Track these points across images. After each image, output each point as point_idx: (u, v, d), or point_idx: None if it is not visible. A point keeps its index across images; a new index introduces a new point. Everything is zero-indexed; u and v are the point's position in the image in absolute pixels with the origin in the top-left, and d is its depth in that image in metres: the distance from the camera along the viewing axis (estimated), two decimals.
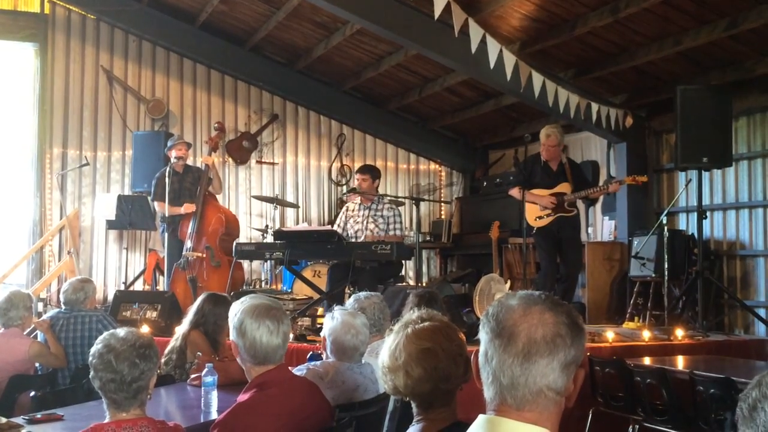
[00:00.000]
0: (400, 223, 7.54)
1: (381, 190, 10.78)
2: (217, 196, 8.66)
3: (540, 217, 7.32)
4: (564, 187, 7.32)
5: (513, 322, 1.51)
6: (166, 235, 8.27)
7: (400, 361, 2.29)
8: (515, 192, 7.44)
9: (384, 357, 2.36)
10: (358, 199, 7.68)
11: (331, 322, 3.67)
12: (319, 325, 6.30)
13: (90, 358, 2.71)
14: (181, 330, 4.77)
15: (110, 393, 2.63)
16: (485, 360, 1.54)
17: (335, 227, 7.57)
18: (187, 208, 8.08)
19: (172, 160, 8.25)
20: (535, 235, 7.46)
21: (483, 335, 1.56)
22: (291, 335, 5.86)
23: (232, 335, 2.98)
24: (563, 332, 1.51)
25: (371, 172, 7.72)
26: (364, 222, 7.46)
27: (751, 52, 7.21)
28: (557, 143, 7.32)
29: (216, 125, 8.96)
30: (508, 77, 6.91)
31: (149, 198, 8.82)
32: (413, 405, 2.30)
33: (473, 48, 6.52)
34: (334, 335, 3.62)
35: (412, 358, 2.27)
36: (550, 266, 7.40)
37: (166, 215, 8.13)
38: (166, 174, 8.11)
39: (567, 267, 7.40)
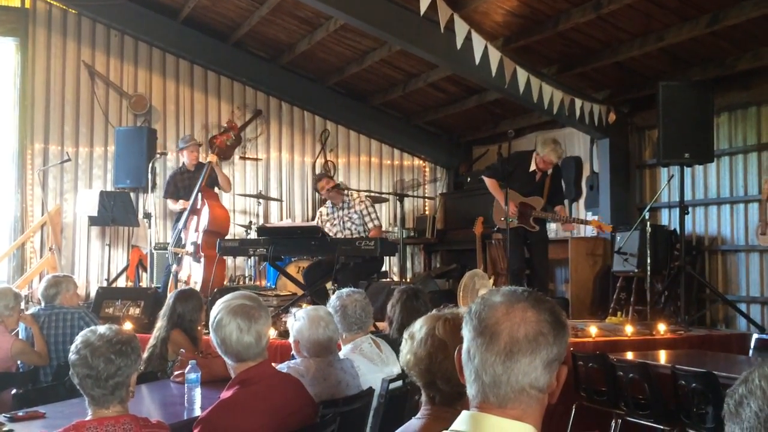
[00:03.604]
0: (375, 212, 7.62)
1: (365, 186, 10.86)
2: (225, 193, 8.77)
3: (504, 219, 7.35)
4: (535, 201, 7.37)
5: (495, 321, 1.51)
6: (174, 230, 8.43)
7: (416, 339, 2.26)
8: (489, 182, 7.52)
9: (413, 327, 2.32)
10: (329, 203, 7.73)
11: (296, 323, 3.64)
12: None
13: (69, 354, 2.69)
14: (156, 333, 4.76)
15: (87, 389, 2.62)
16: (468, 358, 1.53)
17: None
18: (183, 204, 8.19)
19: (185, 160, 8.53)
20: (502, 232, 7.54)
21: (466, 333, 1.56)
22: (274, 332, 5.89)
23: (210, 331, 2.99)
24: (545, 330, 1.50)
25: (329, 176, 8.02)
26: (341, 223, 7.52)
27: (733, 48, 7.26)
28: (555, 162, 7.39)
29: (227, 124, 9.06)
30: (493, 73, 6.93)
31: (163, 195, 8.95)
32: (422, 393, 2.26)
33: (458, 44, 6.53)
34: (306, 334, 3.59)
35: (426, 342, 2.24)
36: (519, 263, 7.42)
37: (176, 210, 8.36)
38: (178, 172, 8.36)
39: (536, 269, 7.50)
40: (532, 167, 7.42)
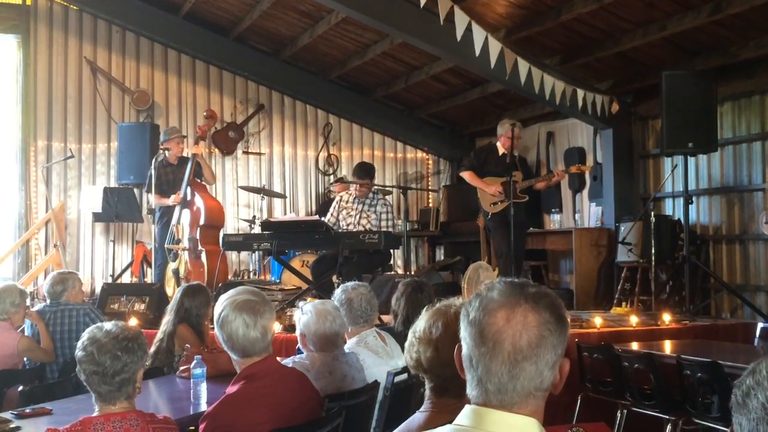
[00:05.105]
0: (392, 219, 7.53)
1: None
2: (210, 186, 8.56)
3: (495, 203, 7.53)
4: (516, 176, 7.54)
5: (496, 329, 1.48)
6: (159, 226, 8.20)
7: (434, 336, 2.24)
8: (467, 175, 7.76)
9: (419, 327, 2.29)
10: (352, 190, 7.61)
11: (303, 317, 3.64)
12: None
13: (76, 351, 2.70)
14: (164, 328, 4.76)
15: (94, 386, 2.63)
16: (470, 364, 1.51)
17: (328, 216, 7.53)
18: (176, 200, 8.03)
19: (166, 153, 8.23)
20: (491, 221, 7.64)
21: (466, 338, 1.53)
22: (279, 326, 5.90)
23: (215, 327, 2.99)
24: (547, 334, 1.48)
25: (369, 174, 7.52)
26: (357, 216, 7.42)
27: (736, 37, 7.23)
28: (520, 136, 7.88)
29: (206, 113, 8.83)
30: (493, 64, 6.90)
31: (144, 189, 8.74)
32: (426, 387, 2.24)
33: (458, 36, 6.50)
34: (313, 328, 3.59)
35: (447, 336, 2.20)
36: (508, 249, 7.47)
37: (157, 205, 8.14)
38: (160, 165, 8.12)
39: (516, 252, 7.56)
40: (501, 151, 7.67)
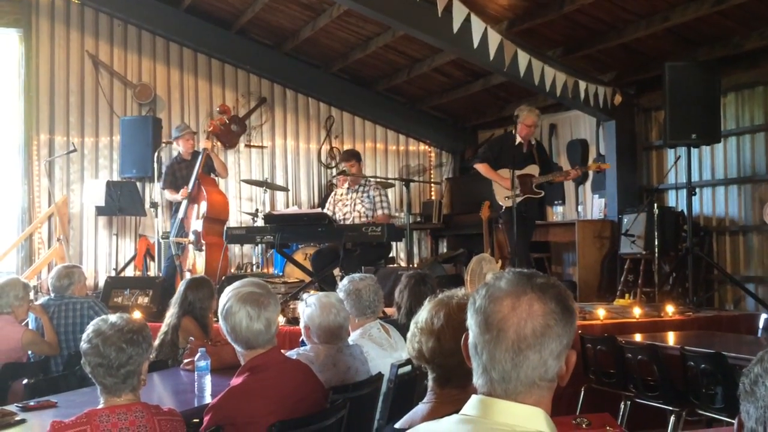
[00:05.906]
0: (387, 201, 7.60)
1: (371, 172, 10.83)
2: (222, 180, 8.66)
3: (509, 197, 7.40)
4: (532, 169, 7.45)
5: (501, 317, 1.48)
6: (174, 219, 8.32)
7: (436, 327, 2.23)
8: (481, 167, 7.63)
9: (421, 318, 2.30)
10: (345, 185, 7.69)
11: (308, 309, 3.64)
12: None
13: (81, 343, 2.71)
14: (168, 321, 4.77)
15: (99, 378, 2.64)
16: (475, 352, 1.52)
17: (324, 211, 7.58)
18: (183, 193, 8.09)
19: (180, 150, 8.43)
20: (504, 214, 7.56)
21: (471, 325, 1.53)
22: (282, 319, 5.91)
23: (219, 319, 3.00)
24: (552, 323, 1.48)
25: (355, 157, 7.80)
26: (352, 204, 7.51)
27: (739, 28, 7.21)
28: (537, 124, 7.67)
29: (219, 108, 8.90)
30: (491, 56, 6.88)
31: (161, 186, 8.81)
32: (429, 378, 2.24)
33: (455, 27, 6.47)
34: (317, 321, 3.59)
35: (450, 327, 2.20)
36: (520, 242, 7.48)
37: (168, 200, 8.28)
38: (175, 162, 8.30)
39: (521, 246, 7.54)
40: (517, 141, 7.51)
